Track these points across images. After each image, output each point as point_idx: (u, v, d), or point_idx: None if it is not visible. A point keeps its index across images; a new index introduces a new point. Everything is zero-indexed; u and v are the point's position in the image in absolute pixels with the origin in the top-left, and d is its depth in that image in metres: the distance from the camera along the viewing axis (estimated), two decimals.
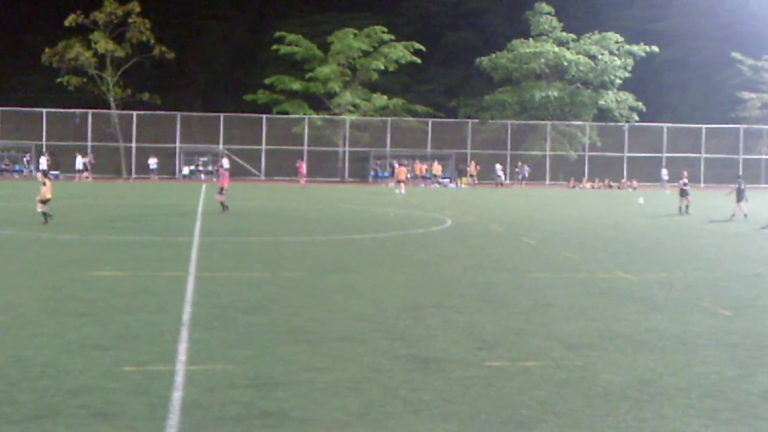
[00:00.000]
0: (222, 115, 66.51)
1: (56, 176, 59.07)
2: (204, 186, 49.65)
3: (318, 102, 68.48)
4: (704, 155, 68.26)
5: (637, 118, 68.37)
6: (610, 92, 68.79)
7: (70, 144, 62.86)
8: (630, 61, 68.66)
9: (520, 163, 64.70)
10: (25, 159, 61.62)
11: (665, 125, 69.71)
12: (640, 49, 68.80)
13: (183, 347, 10.24)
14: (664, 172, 64.24)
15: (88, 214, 30.14)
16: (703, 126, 68.77)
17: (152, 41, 65.75)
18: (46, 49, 64.48)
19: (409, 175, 62.79)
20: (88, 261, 17.65)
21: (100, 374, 8.98)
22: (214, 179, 55.79)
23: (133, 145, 64.66)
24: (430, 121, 68.21)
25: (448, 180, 62.79)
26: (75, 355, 9.74)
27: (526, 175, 63.59)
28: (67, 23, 63.98)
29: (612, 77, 68.55)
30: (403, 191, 48.29)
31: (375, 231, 25.59)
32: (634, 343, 10.96)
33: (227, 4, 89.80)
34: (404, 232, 25.57)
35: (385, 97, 68.11)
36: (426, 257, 19.54)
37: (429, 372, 9.38)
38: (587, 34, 70.31)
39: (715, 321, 12.60)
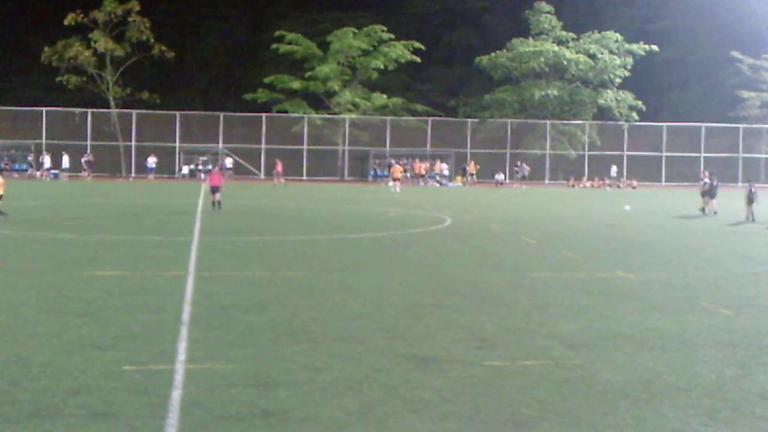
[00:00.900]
0: (222, 114, 66.53)
1: (56, 175, 59.13)
2: (204, 185, 49.63)
3: (318, 101, 68.48)
4: (704, 154, 68.26)
5: (636, 117, 68.38)
6: (609, 91, 68.80)
7: (69, 143, 62.84)
8: (629, 60, 68.67)
9: (519, 162, 64.69)
10: (29, 158, 61.46)
11: (665, 124, 69.72)
12: (639, 48, 68.81)
13: (183, 346, 10.24)
14: (614, 169, 63.75)
15: (88, 214, 30.12)
16: (703, 125, 68.79)
17: (152, 40, 65.73)
18: (46, 48, 64.47)
19: (408, 175, 62.93)
20: (87, 260, 17.65)
21: (100, 374, 8.98)
22: (203, 178, 55.64)
23: (133, 144, 64.66)
24: (429, 120, 68.22)
25: (448, 179, 62.78)
26: (74, 355, 9.74)
27: (526, 174, 63.57)
28: (66, 22, 63.95)
29: (611, 76, 68.56)
30: (398, 189, 49.19)
31: (374, 230, 25.60)
32: (633, 343, 10.97)
33: (227, 4, 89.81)
34: (404, 231, 25.58)
35: (384, 96, 68.10)
36: (425, 256, 19.54)
37: (429, 371, 9.39)
38: (587, 33, 70.31)
39: (715, 320, 12.61)
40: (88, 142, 63.80)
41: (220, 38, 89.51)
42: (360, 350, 10.24)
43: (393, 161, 61.60)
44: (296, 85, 66.76)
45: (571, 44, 69.76)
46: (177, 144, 64.63)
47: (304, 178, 64.72)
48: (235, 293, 13.91)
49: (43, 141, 62.89)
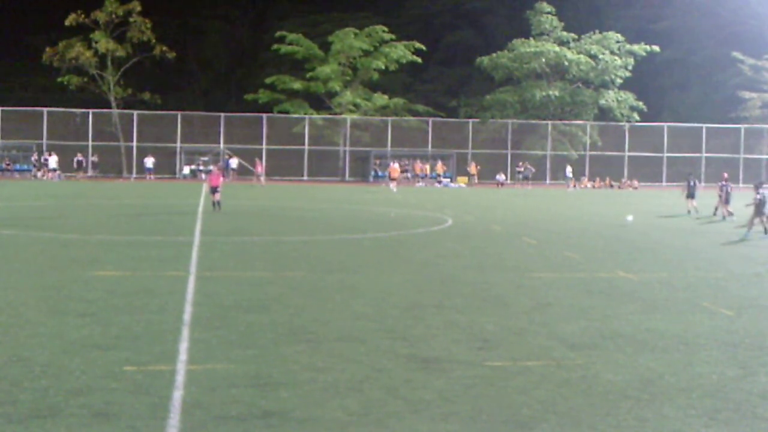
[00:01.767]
0: (223, 114, 66.56)
1: (58, 176, 59.15)
2: (204, 185, 49.63)
3: (319, 101, 68.50)
4: (705, 155, 68.27)
5: (637, 117, 68.38)
6: (610, 92, 68.80)
7: (71, 144, 62.89)
8: (631, 61, 68.67)
9: (521, 163, 64.70)
10: (33, 158, 61.40)
11: (666, 125, 69.73)
12: (640, 49, 68.81)
13: (184, 347, 10.24)
14: (569, 169, 63.65)
15: (89, 214, 30.14)
16: (704, 125, 68.79)
17: (153, 41, 65.78)
18: (47, 49, 64.52)
19: (409, 175, 62.98)
20: (88, 261, 17.65)
21: (101, 374, 8.98)
22: (203, 177, 55.89)
23: (134, 144, 64.68)
24: (430, 120, 68.23)
25: (449, 179, 62.81)
26: (75, 355, 9.74)
27: (530, 175, 63.52)
28: (67, 23, 64.00)
29: (613, 77, 68.55)
30: (395, 189, 50.07)
31: (376, 231, 25.59)
32: (634, 343, 10.96)
33: (228, 4, 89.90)
34: (405, 231, 25.57)
35: (385, 96, 68.13)
36: (427, 257, 19.53)
37: (430, 372, 9.38)
38: (588, 34, 70.33)
39: (716, 321, 12.60)
40: (90, 143, 63.84)
41: (221, 39, 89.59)
42: (361, 350, 10.24)
43: (391, 162, 61.82)
44: (297, 85, 66.79)
45: (572, 45, 69.77)
46: (178, 144, 64.64)
47: (305, 178, 64.72)
48: (237, 293, 13.91)
49: (44, 141, 62.90)
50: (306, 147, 65.72)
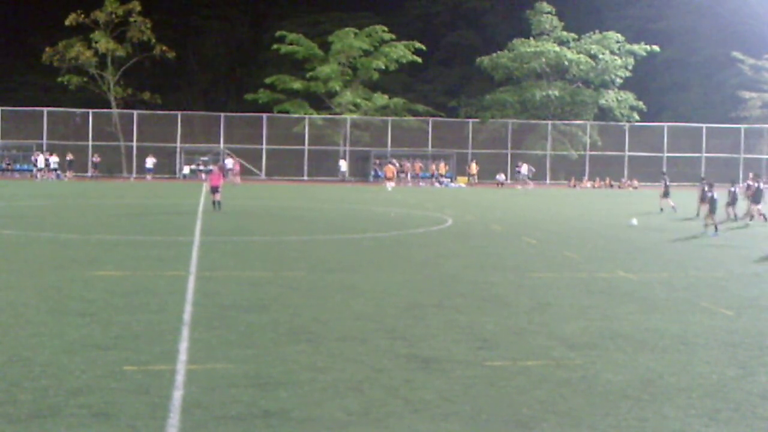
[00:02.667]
0: (223, 114, 66.56)
1: (58, 176, 59.16)
2: (204, 185, 49.66)
3: (319, 101, 68.50)
4: (705, 155, 68.27)
5: (637, 117, 68.38)
6: (610, 91, 68.80)
7: (71, 143, 62.89)
8: (631, 61, 68.66)
9: (519, 163, 64.73)
10: (33, 158, 61.27)
11: (666, 125, 69.72)
12: (640, 49, 68.80)
13: (184, 347, 10.24)
14: (526, 167, 63.42)
15: (89, 214, 30.14)
16: (704, 125, 68.79)
17: (153, 40, 65.79)
18: (47, 49, 64.52)
19: (409, 175, 62.98)
20: (88, 260, 17.65)
21: (101, 374, 8.98)
22: (203, 177, 56.12)
23: (134, 144, 64.67)
24: (430, 120, 68.22)
25: (449, 179, 62.81)
26: (75, 355, 9.74)
27: (531, 174, 63.46)
28: (67, 22, 64.01)
29: (613, 76, 68.55)
30: (389, 188, 51.29)
31: (376, 230, 25.59)
32: (634, 343, 10.96)
33: (228, 4, 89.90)
34: (405, 231, 25.57)
35: (385, 96, 68.13)
36: (427, 257, 19.53)
37: (430, 371, 9.38)
38: (588, 34, 70.31)
39: (716, 321, 12.60)
40: (90, 143, 63.83)
41: (221, 38, 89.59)
42: (361, 350, 10.24)
43: (393, 161, 61.88)
44: (297, 85, 66.78)
45: (572, 44, 69.76)
46: (178, 144, 64.63)
47: (305, 178, 64.73)
48: (236, 293, 13.91)
49: (44, 141, 62.90)
50: (306, 147, 65.72)
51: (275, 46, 68.71)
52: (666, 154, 68.41)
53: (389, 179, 54.97)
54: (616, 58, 68.44)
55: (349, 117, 66.58)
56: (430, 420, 7.78)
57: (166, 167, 64.00)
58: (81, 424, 7.45)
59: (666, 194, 36.20)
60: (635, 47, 68.92)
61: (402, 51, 68.04)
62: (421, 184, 61.80)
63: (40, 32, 71.40)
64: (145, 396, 8.26)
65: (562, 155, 67.76)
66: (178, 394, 8.32)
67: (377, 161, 65.70)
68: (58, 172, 59.33)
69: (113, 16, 64.93)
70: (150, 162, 61.87)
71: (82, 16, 64.31)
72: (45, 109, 63.76)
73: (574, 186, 63.54)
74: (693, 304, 13.94)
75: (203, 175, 57.90)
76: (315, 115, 66.66)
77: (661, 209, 35.92)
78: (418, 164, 64.00)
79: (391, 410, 8.03)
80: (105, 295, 13.48)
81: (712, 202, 26.55)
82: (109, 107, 66.34)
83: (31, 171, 59.29)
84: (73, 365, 9.29)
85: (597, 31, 70.26)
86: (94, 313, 12.14)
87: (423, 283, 15.57)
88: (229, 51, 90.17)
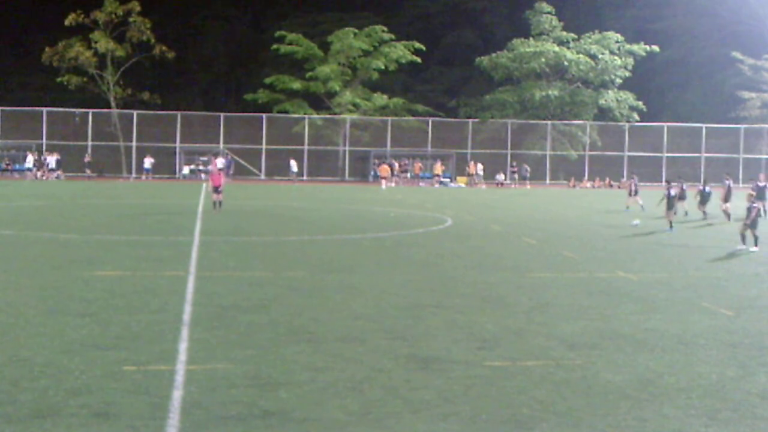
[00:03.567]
0: (222, 114, 66.51)
1: (57, 176, 59.15)
2: (204, 185, 49.68)
3: (318, 101, 68.47)
4: (704, 155, 68.26)
5: (637, 117, 68.35)
6: (610, 92, 68.76)
7: (70, 144, 62.86)
8: (630, 61, 68.62)
9: (515, 163, 64.74)
10: (35, 158, 61.08)
11: (665, 125, 69.70)
12: (640, 49, 68.77)
13: (183, 347, 10.24)
14: (480, 167, 62.92)
15: (88, 214, 30.13)
16: (704, 125, 68.78)
17: (152, 41, 65.74)
18: (47, 49, 64.46)
19: (409, 175, 62.98)
20: (88, 261, 17.65)
21: (101, 374, 8.99)
22: (203, 177, 56.29)
23: (134, 144, 64.63)
24: (430, 120, 68.19)
25: (449, 179, 62.80)
26: (75, 355, 9.74)
27: (527, 174, 63.43)
28: (67, 23, 63.95)
29: (612, 77, 68.50)
30: (384, 187, 52.23)
31: (375, 231, 25.59)
32: (634, 343, 10.97)
33: (227, 4, 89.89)
34: (404, 231, 25.58)
35: (385, 96, 68.08)
36: (426, 257, 19.54)
37: (429, 372, 9.39)
38: (587, 34, 70.26)
39: (716, 321, 12.61)
40: (89, 143, 63.80)
41: (220, 38, 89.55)
42: (361, 351, 10.25)
43: (393, 161, 61.96)
44: (297, 85, 66.75)
45: (571, 45, 69.72)
46: (177, 144, 64.60)
47: (305, 178, 64.72)
48: (236, 293, 13.91)
49: (44, 141, 62.87)
50: (305, 147, 65.70)
51: (275, 46, 68.67)
52: (665, 154, 68.40)
53: (384, 178, 55.46)
54: (616, 58, 68.40)
55: (348, 117, 66.56)
56: (429, 420, 7.79)
57: (166, 167, 63.96)
58: (81, 424, 7.45)
59: (634, 193, 37.26)
60: (635, 47, 68.88)
61: (401, 51, 68.00)
62: (421, 184, 61.78)
63: (39, 32, 71.35)
64: (145, 396, 8.27)
65: (562, 155, 67.75)
66: (177, 395, 8.32)
67: (376, 161, 65.71)
68: (58, 172, 59.27)
69: (113, 16, 64.85)
70: (148, 162, 61.81)
71: (82, 16, 64.25)
72: (44, 109, 63.71)
73: (574, 186, 63.52)
74: (693, 304, 13.94)
75: (203, 175, 57.89)
76: (314, 116, 66.64)
77: (627, 207, 36.83)
78: (418, 164, 63.97)
79: (390, 410, 8.03)
80: (105, 295, 13.48)
81: (670, 200, 27.84)
82: (109, 107, 66.30)
83: (31, 170, 59.25)
84: (73, 365, 9.29)
85: (596, 31, 70.21)
86: (93, 313, 12.14)
87: (423, 283, 15.57)
88: (228, 51, 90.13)
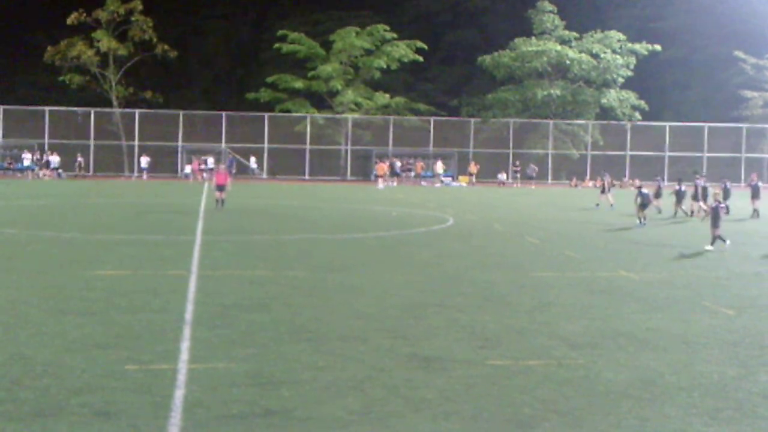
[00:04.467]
0: (224, 113, 66.53)
1: (59, 175, 59.21)
2: (207, 184, 49.69)
3: (320, 100, 68.49)
4: (707, 154, 68.21)
5: (639, 116, 68.31)
6: (612, 91, 68.72)
7: (72, 143, 62.90)
8: (632, 60, 68.59)
9: (517, 162, 64.71)
10: (35, 157, 61.07)
11: (668, 124, 69.65)
12: (642, 48, 68.73)
13: (185, 346, 10.25)
14: (439, 165, 62.71)
15: (90, 213, 30.16)
16: (706, 124, 68.72)
17: (155, 40, 65.79)
18: (49, 48, 64.52)
19: (412, 174, 62.99)
20: (89, 260, 17.67)
21: (102, 373, 8.99)
22: (205, 176, 56.35)
23: (136, 143, 64.64)
24: (432, 119, 68.18)
25: (450, 178, 62.79)
26: (77, 354, 9.75)
27: (534, 174, 63.38)
28: (69, 21, 64.00)
29: (614, 76, 68.46)
30: (380, 186, 52.84)
31: (377, 230, 25.59)
32: (636, 342, 10.97)
33: (230, 3, 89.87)
34: (406, 231, 25.57)
35: (387, 95, 68.09)
36: (428, 256, 19.53)
37: (431, 371, 9.39)
38: (590, 33, 70.24)
39: (717, 320, 12.60)
40: (92, 142, 63.86)
41: (222, 37, 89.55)
42: (362, 350, 10.25)
43: (394, 160, 61.95)
44: (299, 84, 66.77)
45: (573, 44, 69.69)
46: (180, 143, 64.63)
47: (307, 177, 64.75)
48: (238, 292, 13.92)
49: (46, 140, 62.90)
50: (307, 146, 65.71)
51: (277, 45, 68.69)
52: (667, 154, 68.36)
53: (380, 176, 55.68)
54: (618, 57, 68.37)
55: (350, 116, 66.58)
56: (431, 419, 7.79)
57: (168, 166, 63.98)
58: (82, 423, 7.46)
59: (606, 190, 37.89)
60: (637, 46, 68.84)
61: (403, 50, 68.00)
62: (422, 183, 61.76)
63: (42, 31, 71.37)
64: (147, 395, 8.27)
65: (564, 155, 67.73)
66: (179, 393, 8.33)
67: (377, 160, 65.72)
68: (59, 171, 59.30)
69: (115, 15, 64.93)
70: (144, 161, 61.84)
71: (84, 15, 64.30)
72: (47, 108, 63.75)
73: (576, 186, 63.50)
74: (694, 303, 13.94)
75: (205, 174, 57.95)
76: (316, 115, 66.66)
77: (597, 204, 37.61)
78: (420, 163, 63.95)
79: (392, 409, 8.03)
80: (106, 295, 13.49)
81: (643, 197, 28.84)
82: (111, 106, 66.34)
83: (33, 170, 59.27)
84: (75, 364, 9.30)
85: (599, 30, 70.19)
86: (95, 312, 12.15)
87: (424, 282, 15.57)
88: (230, 50, 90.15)
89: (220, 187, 31.59)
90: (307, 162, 65.64)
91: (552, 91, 67.64)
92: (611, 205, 36.78)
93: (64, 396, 8.19)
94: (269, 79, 67.22)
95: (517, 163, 64.95)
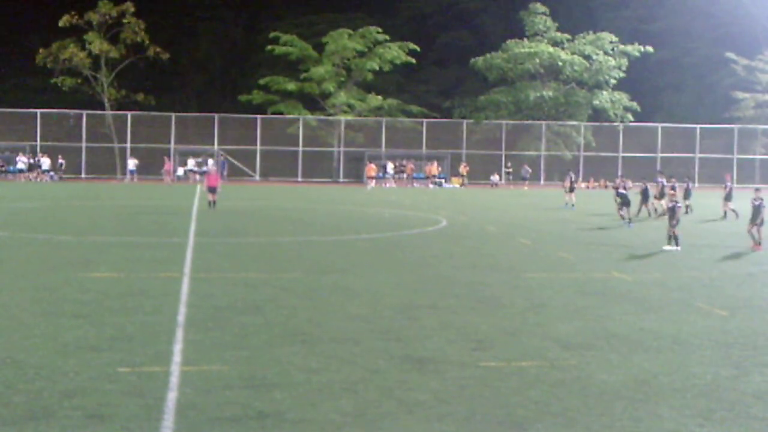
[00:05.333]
0: (216, 115, 66.42)
1: (51, 177, 59.06)
2: (199, 186, 49.61)
3: (313, 102, 68.44)
4: (698, 155, 68.36)
5: (631, 118, 68.43)
6: (604, 92, 68.83)
7: (64, 145, 62.74)
8: (624, 61, 68.71)
9: (509, 164, 64.76)
10: (30, 160, 60.78)
11: (660, 125, 69.78)
12: (634, 49, 68.87)
13: (178, 348, 10.23)
14: (389, 166, 62.65)
15: (83, 215, 30.08)
16: (698, 126, 68.88)
17: (147, 42, 65.63)
18: (41, 50, 64.31)
19: (405, 176, 62.97)
20: (82, 262, 17.62)
21: (95, 375, 8.97)
22: (197, 178, 56.40)
23: (128, 145, 64.51)
24: (424, 121, 68.18)
25: (443, 180, 62.81)
26: (70, 357, 9.72)
27: (527, 175, 63.47)
28: (61, 24, 63.81)
29: (606, 77, 68.58)
30: (369, 188, 53.43)
31: (370, 232, 25.59)
32: (629, 343, 10.98)
33: (222, 5, 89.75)
34: (399, 232, 25.58)
35: (379, 97, 68.08)
36: (421, 258, 19.54)
37: (424, 372, 9.38)
38: (582, 35, 70.36)
39: (710, 321, 12.63)
40: (84, 144, 63.72)
41: (215, 39, 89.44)
42: (355, 351, 10.24)
43: (387, 162, 61.99)
44: (291, 86, 66.70)
45: (566, 45, 69.79)
46: (172, 146, 64.51)
47: (299, 179, 64.71)
48: (231, 294, 13.90)
49: (38, 143, 62.72)
50: (300, 148, 65.67)
51: (269, 47, 68.62)
52: (660, 155, 68.47)
53: (370, 178, 55.80)
54: (610, 58, 68.49)
55: (343, 118, 66.56)
56: (424, 421, 7.78)
57: (160, 169, 63.82)
58: (75, 426, 7.44)
59: (571, 190, 38.88)
60: (629, 48, 68.97)
61: (396, 52, 68.01)
62: (415, 184, 61.75)
63: (33, 33, 71.20)
64: (140, 398, 8.25)
65: (556, 156, 67.82)
66: (172, 396, 8.31)
67: (369, 162, 65.69)
68: (51, 173, 59.14)
69: (107, 17, 64.76)
70: (131, 164, 61.72)
71: (76, 17, 64.10)
72: (38, 111, 63.58)
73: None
74: (687, 304, 13.96)
75: (197, 176, 57.81)
76: (309, 116, 66.62)
77: (566, 204, 38.48)
78: (410, 165, 63.90)
79: (385, 411, 8.03)
80: (99, 297, 13.45)
81: (624, 197, 29.72)
82: (103, 109, 66.18)
83: (23, 172, 59.10)
84: (67, 367, 9.27)
85: (591, 32, 70.30)
86: (88, 314, 12.12)
87: (417, 284, 15.57)
88: (222, 52, 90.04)
89: (212, 189, 31.63)
90: (299, 164, 65.57)
91: (544, 93, 67.74)
92: (572, 205, 37.74)
93: (56, 399, 8.17)
94: (262, 81, 67.17)
95: (509, 164, 65.01)
